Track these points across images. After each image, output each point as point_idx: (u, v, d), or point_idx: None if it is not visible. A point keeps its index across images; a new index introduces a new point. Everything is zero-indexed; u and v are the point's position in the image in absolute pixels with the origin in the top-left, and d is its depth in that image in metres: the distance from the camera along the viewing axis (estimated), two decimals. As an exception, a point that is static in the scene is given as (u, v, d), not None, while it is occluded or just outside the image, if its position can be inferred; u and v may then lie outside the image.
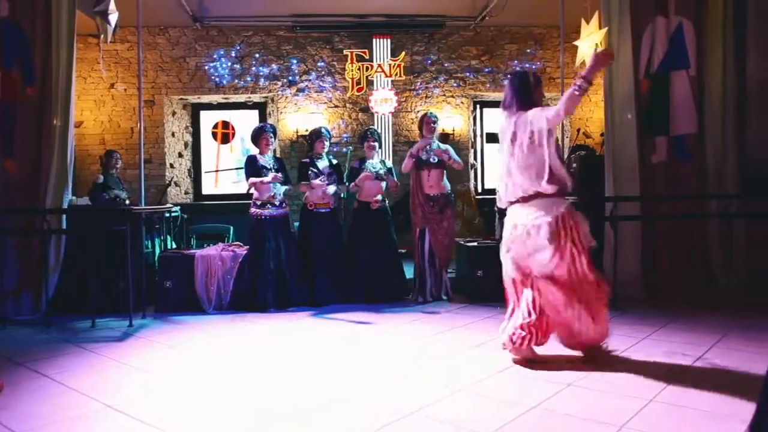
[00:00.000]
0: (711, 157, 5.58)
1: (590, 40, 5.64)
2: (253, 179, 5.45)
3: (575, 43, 5.85)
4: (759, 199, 5.52)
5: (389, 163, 5.91)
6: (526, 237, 3.43)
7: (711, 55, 5.57)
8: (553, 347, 3.60)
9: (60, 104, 5.27)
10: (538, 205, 3.43)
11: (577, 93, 3.26)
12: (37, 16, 5.26)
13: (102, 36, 5.41)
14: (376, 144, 5.76)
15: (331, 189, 5.64)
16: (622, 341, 3.95)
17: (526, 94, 3.63)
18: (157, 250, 5.99)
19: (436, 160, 5.56)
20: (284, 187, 5.61)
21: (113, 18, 5.38)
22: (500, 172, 3.64)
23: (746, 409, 2.05)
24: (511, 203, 3.56)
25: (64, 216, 5.24)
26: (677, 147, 5.61)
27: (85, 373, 3.48)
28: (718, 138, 5.55)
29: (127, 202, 6.50)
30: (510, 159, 3.52)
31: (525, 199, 3.47)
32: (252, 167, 5.48)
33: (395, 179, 5.76)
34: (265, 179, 5.41)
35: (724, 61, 5.54)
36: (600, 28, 5.57)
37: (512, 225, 3.54)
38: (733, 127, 5.55)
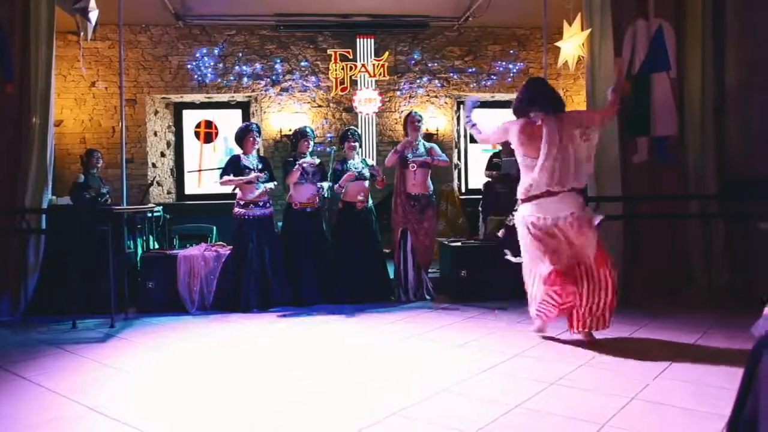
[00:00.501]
0: (691, 158, 5.66)
1: (573, 41, 5.70)
2: (227, 177, 5.41)
3: (557, 44, 5.90)
4: (737, 200, 5.62)
5: (371, 162, 5.91)
6: (571, 228, 3.80)
7: (690, 58, 5.65)
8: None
9: (39, 102, 5.19)
10: (572, 198, 3.84)
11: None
12: (15, 12, 5.18)
13: (82, 33, 5.35)
14: (357, 144, 5.76)
15: (325, 185, 5.62)
16: (604, 340, 4.00)
17: (557, 97, 4.04)
18: (140, 251, 5.93)
19: (415, 168, 5.57)
20: (270, 184, 5.58)
21: (93, 15, 5.32)
22: (528, 166, 3.93)
23: (725, 406, 2.08)
24: (537, 197, 3.86)
25: (43, 216, 5.17)
26: (658, 148, 5.68)
27: (65, 375, 3.44)
28: (698, 139, 5.63)
29: (108, 198, 6.43)
30: (550, 155, 3.79)
31: (552, 193, 3.81)
32: (234, 167, 5.45)
33: (381, 175, 5.75)
34: (245, 178, 5.38)
35: (703, 63, 5.62)
36: (582, 29, 5.63)
37: (538, 218, 3.87)
38: (712, 129, 5.63)
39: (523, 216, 3.96)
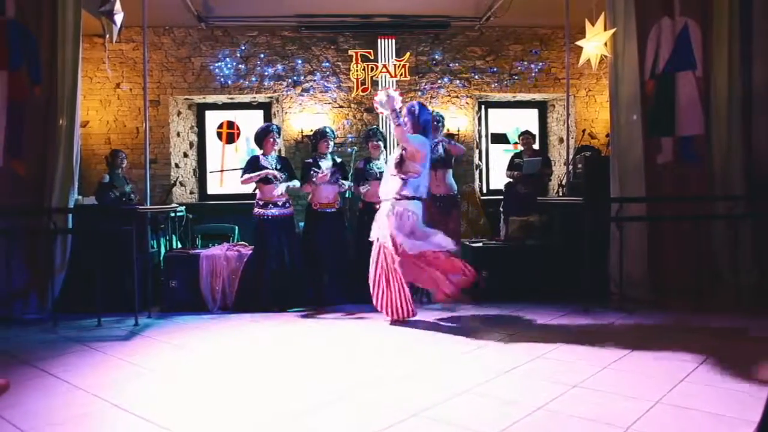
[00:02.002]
0: (717, 159, 5.56)
1: (596, 41, 5.64)
2: (247, 175, 5.45)
3: (579, 43, 5.85)
4: (765, 201, 5.50)
5: None
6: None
7: (717, 56, 5.55)
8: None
9: (66, 104, 5.29)
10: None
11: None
12: (43, 16, 5.29)
13: (107, 36, 5.43)
14: (381, 144, 5.75)
15: (346, 183, 5.63)
16: (628, 343, 3.95)
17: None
18: (163, 250, 6.00)
19: (441, 152, 5.58)
20: (291, 183, 5.58)
21: (119, 18, 5.40)
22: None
23: (754, 412, 2.04)
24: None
25: (70, 215, 5.26)
26: (683, 148, 5.59)
27: (90, 372, 3.49)
28: (724, 139, 5.54)
29: (133, 196, 6.52)
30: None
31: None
32: (254, 168, 5.49)
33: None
34: (262, 172, 5.40)
35: (730, 61, 5.52)
36: (606, 29, 5.57)
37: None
38: (739, 128, 5.53)
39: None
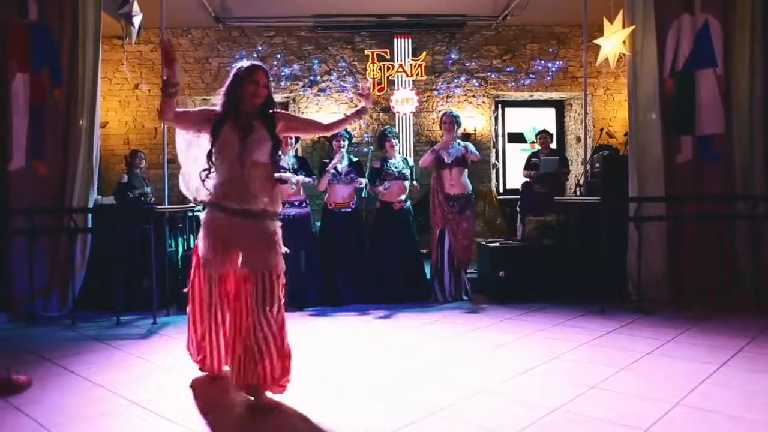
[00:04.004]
0: (738, 158, 5.48)
1: (614, 39, 5.59)
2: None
3: (597, 41, 5.80)
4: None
5: (411, 162, 5.87)
6: None
7: (738, 53, 5.47)
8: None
9: (86, 105, 5.36)
10: None
11: None
12: (64, 18, 5.36)
13: (126, 38, 5.50)
14: (396, 142, 5.74)
15: (363, 180, 5.62)
16: (646, 343, 3.91)
17: None
18: (180, 249, 6.05)
19: (451, 159, 5.56)
20: (303, 179, 5.54)
21: (137, 20, 5.46)
22: None
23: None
24: None
25: (90, 215, 5.33)
26: (703, 147, 5.52)
27: (110, 370, 3.53)
28: (746, 138, 5.45)
29: (151, 197, 6.58)
30: None
31: None
32: None
33: (416, 182, 5.74)
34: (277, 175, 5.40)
35: (752, 59, 5.43)
36: (624, 26, 5.51)
37: None
38: (761, 127, 5.44)
39: None
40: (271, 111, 3.11)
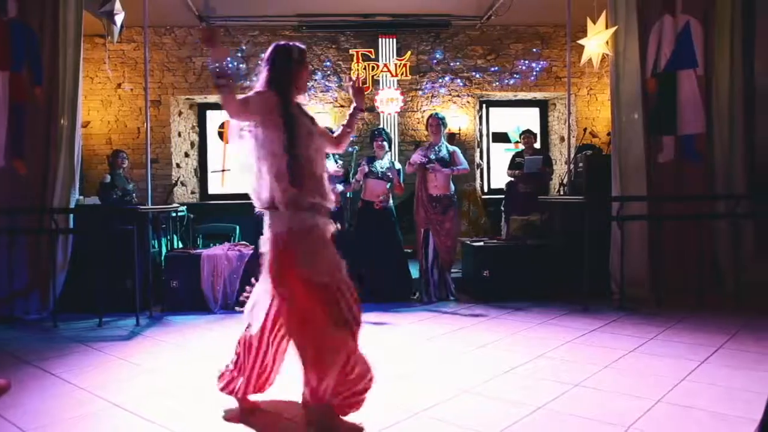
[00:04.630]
0: (719, 157, 5.55)
1: (597, 39, 5.63)
2: None
3: (581, 41, 5.84)
4: (767, 200, 5.49)
5: (398, 165, 5.87)
6: None
7: (719, 54, 5.54)
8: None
9: (67, 104, 5.29)
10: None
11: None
12: (45, 16, 5.29)
13: (108, 36, 5.44)
14: (386, 144, 5.73)
15: (339, 187, 5.63)
16: (629, 341, 3.94)
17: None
18: (164, 250, 6.00)
19: (444, 153, 5.58)
20: None
21: (119, 18, 5.41)
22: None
23: (755, 410, 2.04)
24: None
25: (71, 215, 5.26)
26: (685, 147, 5.58)
27: (92, 372, 3.49)
28: (726, 138, 5.53)
29: (134, 198, 6.52)
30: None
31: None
32: None
33: (401, 182, 5.73)
34: None
35: (732, 60, 5.51)
36: (607, 27, 5.56)
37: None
38: (741, 127, 5.52)
39: None
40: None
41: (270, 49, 2.72)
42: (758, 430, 1.92)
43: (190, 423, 2.70)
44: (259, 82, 2.67)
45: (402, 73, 8.34)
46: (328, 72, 8.44)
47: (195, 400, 3.02)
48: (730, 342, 3.91)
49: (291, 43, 2.73)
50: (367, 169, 5.60)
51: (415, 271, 5.83)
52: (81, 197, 5.69)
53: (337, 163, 5.69)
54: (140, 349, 4.06)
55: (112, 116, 8.28)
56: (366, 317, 4.90)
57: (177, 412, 2.84)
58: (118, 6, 5.41)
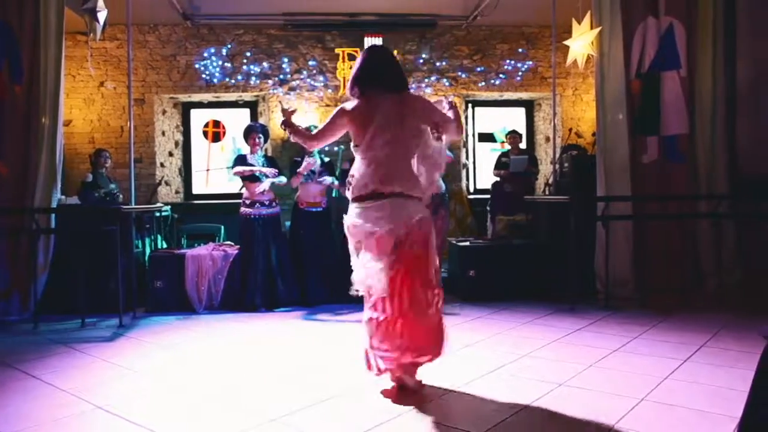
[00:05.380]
0: (701, 158, 5.62)
1: (582, 40, 5.67)
2: (240, 168, 5.45)
3: (566, 42, 5.87)
4: (748, 201, 5.57)
5: None
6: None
7: (701, 56, 5.61)
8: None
9: (48, 103, 5.22)
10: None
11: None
12: (25, 13, 5.21)
13: (91, 34, 5.37)
14: None
15: (327, 180, 5.62)
16: (614, 341, 3.97)
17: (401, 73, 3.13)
18: (148, 250, 5.95)
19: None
20: (277, 179, 5.55)
21: (102, 16, 5.34)
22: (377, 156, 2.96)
23: (736, 407, 2.06)
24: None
25: (53, 215, 5.19)
26: (668, 147, 5.64)
27: (74, 374, 3.45)
28: (708, 138, 5.59)
29: (117, 197, 6.45)
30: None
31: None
32: (240, 166, 5.49)
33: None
34: (255, 168, 5.42)
35: (714, 61, 5.58)
36: (592, 28, 5.60)
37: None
38: (723, 128, 5.59)
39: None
40: None
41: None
42: (739, 427, 1.94)
43: (175, 425, 2.67)
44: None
45: (388, 73, 8.32)
46: (314, 71, 8.40)
47: (180, 401, 2.99)
48: (712, 341, 3.95)
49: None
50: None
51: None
52: (63, 197, 5.62)
53: (322, 160, 5.66)
54: (124, 350, 4.02)
55: (94, 115, 8.18)
56: (350, 317, 4.92)
57: (162, 413, 2.81)
58: (100, 3, 5.34)
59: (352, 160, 5.78)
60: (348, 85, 3.14)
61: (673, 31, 5.60)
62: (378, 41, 8.31)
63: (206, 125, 8.69)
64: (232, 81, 8.30)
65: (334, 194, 5.85)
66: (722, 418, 2.58)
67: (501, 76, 8.65)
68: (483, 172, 8.89)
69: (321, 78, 8.41)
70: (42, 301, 4.99)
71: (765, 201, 5.38)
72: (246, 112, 8.70)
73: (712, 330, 4.21)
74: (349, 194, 3.05)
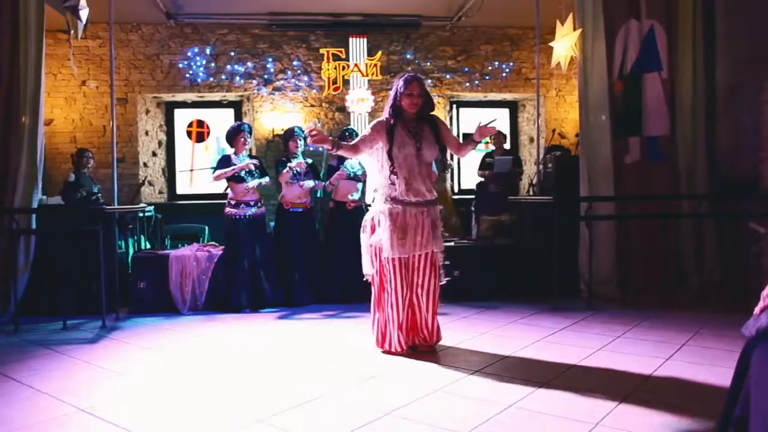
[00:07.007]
0: (682, 158, 5.70)
1: (565, 42, 5.71)
2: (220, 171, 5.41)
3: (550, 44, 5.92)
4: (728, 200, 5.65)
5: None
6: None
7: (682, 58, 5.69)
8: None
9: (29, 102, 5.14)
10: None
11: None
12: (3, 11, 5.13)
13: (72, 32, 5.30)
14: None
15: (309, 183, 5.61)
16: (597, 340, 4.01)
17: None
18: (131, 251, 5.90)
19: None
20: (262, 180, 5.54)
21: (84, 14, 5.27)
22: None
23: (717, 405, 2.10)
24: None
25: (33, 216, 5.12)
26: (650, 148, 5.71)
27: (56, 376, 3.41)
28: (689, 139, 5.67)
29: (99, 197, 6.39)
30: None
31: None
32: (225, 167, 5.44)
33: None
34: (237, 167, 5.38)
35: (694, 63, 5.66)
36: (574, 29, 5.64)
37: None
38: (703, 129, 5.67)
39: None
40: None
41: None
42: (718, 424, 1.97)
43: (159, 427, 2.65)
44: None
45: (373, 73, 8.33)
46: (299, 71, 8.38)
47: (164, 403, 2.97)
48: (693, 339, 4.01)
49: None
50: (344, 172, 5.59)
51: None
52: (44, 197, 5.54)
53: (306, 161, 5.65)
54: (107, 351, 3.98)
55: (76, 114, 8.09)
56: (336, 319, 4.91)
57: (146, 415, 2.79)
58: (82, 2, 5.28)
59: (340, 159, 5.83)
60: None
61: (654, 34, 5.67)
62: (362, 42, 8.31)
63: (190, 125, 8.63)
64: (216, 81, 8.25)
65: (319, 195, 5.84)
66: (702, 415, 2.62)
67: (485, 77, 8.70)
68: (467, 172, 8.93)
69: (305, 78, 8.39)
70: (23, 303, 4.92)
71: (744, 201, 5.47)
72: (230, 112, 8.65)
73: (694, 329, 4.27)
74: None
